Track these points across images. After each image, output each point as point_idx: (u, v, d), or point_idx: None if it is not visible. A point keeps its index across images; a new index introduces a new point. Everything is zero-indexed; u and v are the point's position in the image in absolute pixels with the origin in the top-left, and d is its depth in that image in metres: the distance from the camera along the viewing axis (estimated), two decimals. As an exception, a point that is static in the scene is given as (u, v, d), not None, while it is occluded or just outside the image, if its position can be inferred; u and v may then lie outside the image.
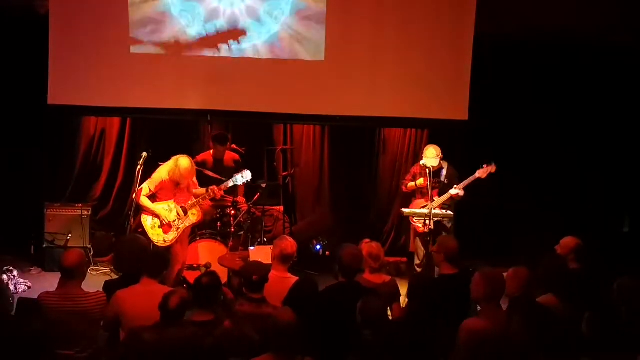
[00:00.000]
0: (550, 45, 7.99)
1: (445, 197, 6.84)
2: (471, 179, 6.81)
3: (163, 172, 6.29)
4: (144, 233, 6.36)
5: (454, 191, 6.78)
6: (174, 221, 6.31)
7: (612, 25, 7.69)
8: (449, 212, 6.85)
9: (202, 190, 6.56)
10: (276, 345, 3.60)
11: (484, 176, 6.84)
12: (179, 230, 6.33)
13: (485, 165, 6.84)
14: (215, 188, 6.50)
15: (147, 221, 6.30)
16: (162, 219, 6.27)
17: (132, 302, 4.30)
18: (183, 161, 6.22)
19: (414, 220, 6.92)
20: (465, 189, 6.80)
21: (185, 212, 6.38)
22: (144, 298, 4.26)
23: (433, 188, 6.75)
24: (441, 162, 6.94)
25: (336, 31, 7.68)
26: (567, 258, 5.11)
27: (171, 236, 6.31)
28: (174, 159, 6.26)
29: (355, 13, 7.71)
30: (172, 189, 6.33)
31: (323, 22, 7.64)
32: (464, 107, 7.77)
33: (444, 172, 6.95)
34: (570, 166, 8.22)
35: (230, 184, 6.62)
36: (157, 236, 6.28)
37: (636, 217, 8.28)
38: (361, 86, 7.79)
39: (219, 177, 6.85)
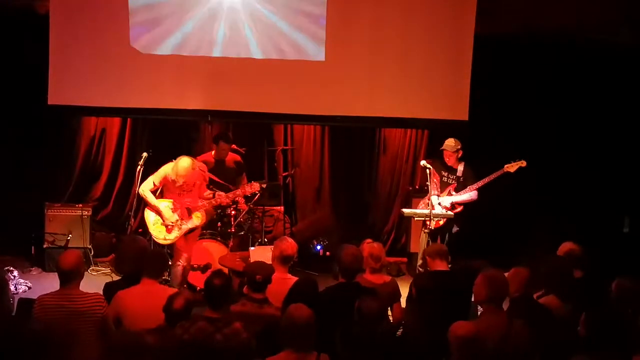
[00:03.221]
0: (550, 45, 7.98)
1: (464, 197, 6.86)
2: (498, 173, 6.80)
3: (167, 168, 6.23)
4: (144, 231, 6.35)
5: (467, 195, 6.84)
6: (177, 221, 6.27)
7: (613, 24, 7.68)
8: (449, 213, 6.86)
9: (210, 194, 6.46)
10: (293, 342, 3.61)
11: (513, 170, 6.82)
12: (182, 230, 6.28)
13: (513, 162, 6.84)
14: (223, 195, 6.43)
15: (150, 217, 6.28)
16: (163, 218, 6.24)
17: (133, 302, 4.31)
18: (183, 160, 6.13)
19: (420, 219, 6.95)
20: (487, 185, 6.83)
21: (190, 213, 6.33)
22: (144, 298, 4.29)
23: (449, 184, 6.91)
24: (457, 161, 6.95)
25: (336, 31, 7.67)
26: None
27: (173, 235, 6.26)
28: (178, 158, 6.19)
29: (355, 13, 7.70)
30: (175, 188, 6.26)
31: (323, 23, 7.64)
32: (464, 107, 7.77)
33: (461, 169, 6.97)
34: (571, 166, 8.20)
35: (239, 192, 6.48)
36: (159, 232, 6.25)
37: (636, 217, 8.26)
38: (361, 86, 7.78)
39: (225, 183, 6.79)
